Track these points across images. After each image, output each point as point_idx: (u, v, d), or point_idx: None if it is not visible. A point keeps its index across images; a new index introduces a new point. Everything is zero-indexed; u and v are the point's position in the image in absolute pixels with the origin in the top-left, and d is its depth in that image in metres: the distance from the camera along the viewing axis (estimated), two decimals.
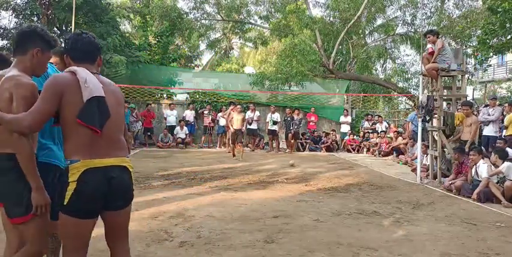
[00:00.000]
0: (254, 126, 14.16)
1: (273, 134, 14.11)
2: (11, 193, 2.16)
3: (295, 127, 13.66)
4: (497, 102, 9.52)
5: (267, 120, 14.35)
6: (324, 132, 15.27)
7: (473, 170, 6.60)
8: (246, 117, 12.91)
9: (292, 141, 13.77)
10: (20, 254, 2.21)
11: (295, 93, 16.94)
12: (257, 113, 14.39)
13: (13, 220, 2.19)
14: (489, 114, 8.98)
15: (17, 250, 2.23)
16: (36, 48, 2.26)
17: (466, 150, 7.09)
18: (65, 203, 2.04)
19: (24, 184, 2.12)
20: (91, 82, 2.11)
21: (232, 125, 11.50)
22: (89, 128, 2.08)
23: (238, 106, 12.15)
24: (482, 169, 6.37)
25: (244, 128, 11.86)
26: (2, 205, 2.24)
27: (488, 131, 8.99)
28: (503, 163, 6.28)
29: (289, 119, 13.79)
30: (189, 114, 14.80)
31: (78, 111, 2.06)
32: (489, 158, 6.72)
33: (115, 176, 2.13)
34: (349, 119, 15.56)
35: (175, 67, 19.59)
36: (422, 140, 8.66)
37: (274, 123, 14.11)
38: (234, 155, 11.32)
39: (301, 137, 14.43)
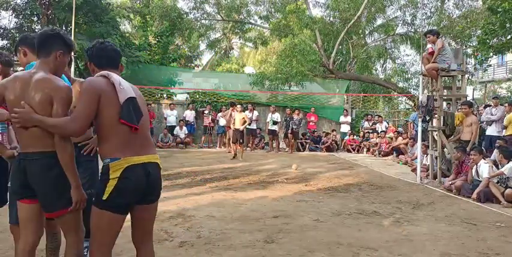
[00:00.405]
0: (253, 126, 14.14)
1: (273, 134, 14.10)
2: (54, 187, 2.27)
3: (295, 127, 13.66)
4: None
5: (267, 121, 14.34)
6: (324, 132, 15.27)
7: (473, 170, 6.59)
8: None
9: (292, 141, 13.78)
10: (76, 242, 2.38)
11: (295, 93, 16.94)
12: (255, 113, 14.35)
13: (53, 214, 2.32)
14: (492, 114, 8.95)
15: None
16: (59, 50, 2.37)
17: (468, 151, 7.07)
18: (104, 198, 2.15)
19: (65, 179, 2.25)
20: (124, 84, 2.26)
21: (233, 124, 11.50)
22: (131, 126, 2.21)
23: (239, 106, 12.15)
24: (484, 168, 6.35)
25: (243, 127, 11.83)
26: (31, 201, 2.33)
27: (491, 131, 8.95)
28: (508, 162, 6.25)
29: (288, 119, 13.80)
30: (189, 115, 14.81)
31: (116, 112, 2.19)
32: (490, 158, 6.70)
33: (152, 172, 2.28)
34: (349, 119, 15.57)
35: (175, 67, 19.58)
36: (423, 140, 8.66)
37: (275, 123, 14.11)
38: (235, 155, 11.30)
39: (301, 137, 14.44)
